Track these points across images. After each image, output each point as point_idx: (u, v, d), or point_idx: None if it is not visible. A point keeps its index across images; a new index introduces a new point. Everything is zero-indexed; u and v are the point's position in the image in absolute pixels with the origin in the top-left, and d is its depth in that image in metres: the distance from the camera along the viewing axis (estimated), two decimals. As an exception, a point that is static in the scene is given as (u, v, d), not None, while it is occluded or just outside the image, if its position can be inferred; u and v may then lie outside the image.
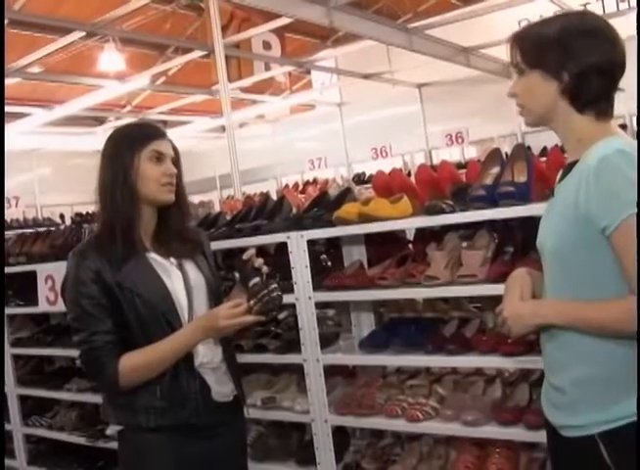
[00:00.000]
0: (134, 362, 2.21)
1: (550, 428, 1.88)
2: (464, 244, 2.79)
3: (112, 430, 2.35)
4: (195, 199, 8.27)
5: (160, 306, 2.24)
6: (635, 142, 1.69)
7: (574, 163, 1.76)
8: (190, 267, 2.36)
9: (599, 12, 9.32)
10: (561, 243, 1.74)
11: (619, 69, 1.75)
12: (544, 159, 2.82)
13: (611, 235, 1.61)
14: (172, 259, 2.34)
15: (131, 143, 2.27)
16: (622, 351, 1.66)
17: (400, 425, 2.82)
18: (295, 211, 3.24)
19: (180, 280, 2.31)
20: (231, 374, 2.40)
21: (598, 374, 1.71)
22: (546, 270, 1.85)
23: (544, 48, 1.77)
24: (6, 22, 6.77)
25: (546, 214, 1.88)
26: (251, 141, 13.73)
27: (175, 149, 2.36)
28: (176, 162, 2.34)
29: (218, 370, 2.36)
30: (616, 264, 1.64)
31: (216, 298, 2.40)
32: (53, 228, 5.13)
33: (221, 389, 2.35)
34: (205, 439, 2.30)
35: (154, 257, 2.31)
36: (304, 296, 2.91)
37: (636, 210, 1.54)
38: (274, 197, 3.76)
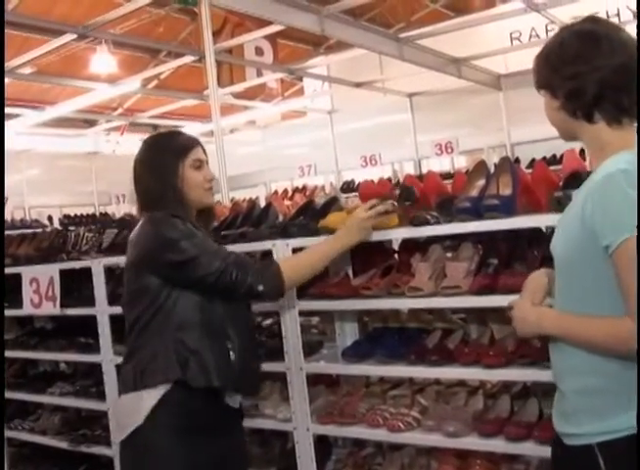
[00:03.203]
0: (293, 260, 2.55)
1: (556, 436, 1.89)
2: (448, 254, 2.80)
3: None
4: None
5: None
6: None
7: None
8: None
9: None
10: (567, 252, 1.75)
11: (615, 71, 1.71)
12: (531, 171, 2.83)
13: (612, 254, 1.61)
14: None
15: (174, 154, 2.45)
16: (625, 363, 1.65)
17: (382, 435, 2.81)
18: (281, 218, 3.24)
19: None
20: None
21: (600, 385, 1.72)
22: (556, 276, 1.86)
23: (540, 67, 1.82)
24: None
25: (560, 220, 1.89)
26: (242, 147, 13.73)
27: (206, 152, 2.57)
28: (207, 163, 2.55)
29: None
30: (612, 283, 1.64)
31: None
32: (39, 230, 5.12)
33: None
34: (217, 438, 2.37)
35: None
36: (288, 304, 2.91)
37: (636, 232, 1.54)
38: (263, 203, 3.76)
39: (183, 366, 2.28)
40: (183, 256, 2.27)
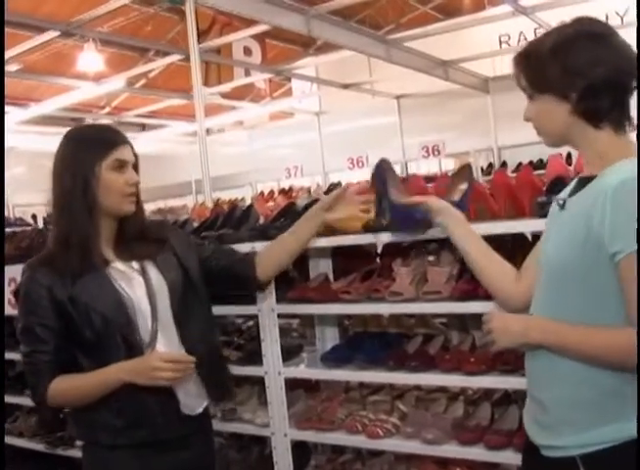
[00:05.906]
0: (63, 388, 2.18)
1: (529, 446, 1.84)
2: (430, 258, 2.76)
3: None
4: (170, 203, 8.21)
5: (115, 321, 2.16)
6: None
7: (590, 177, 1.70)
8: (152, 271, 2.27)
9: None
10: (566, 261, 1.68)
11: (629, 75, 1.67)
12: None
13: (619, 263, 1.56)
14: (134, 265, 2.26)
15: (92, 151, 2.17)
16: (609, 375, 1.62)
17: (361, 441, 2.78)
18: (262, 220, 3.20)
19: (142, 287, 2.22)
20: (205, 380, 2.31)
21: (583, 396, 1.67)
22: (542, 285, 1.79)
23: (546, 70, 1.71)
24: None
25: (551, 227, 1.82)
26: (228, 147, 13.68)
27: (135, 153, 2.26)
28: (136, 166, 2.25)
29: (188, 382, 2.25)
30: (618, 292, 1.59)
31: (180, 299, 2.28)
32: (20, 229, 5.06)
33: (190, 402, 2.27)
34: (174, 451, 2.23)
35: (114, 266, 2.23)
36: (267, 307, 2.87)
37: None
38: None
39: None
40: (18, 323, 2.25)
